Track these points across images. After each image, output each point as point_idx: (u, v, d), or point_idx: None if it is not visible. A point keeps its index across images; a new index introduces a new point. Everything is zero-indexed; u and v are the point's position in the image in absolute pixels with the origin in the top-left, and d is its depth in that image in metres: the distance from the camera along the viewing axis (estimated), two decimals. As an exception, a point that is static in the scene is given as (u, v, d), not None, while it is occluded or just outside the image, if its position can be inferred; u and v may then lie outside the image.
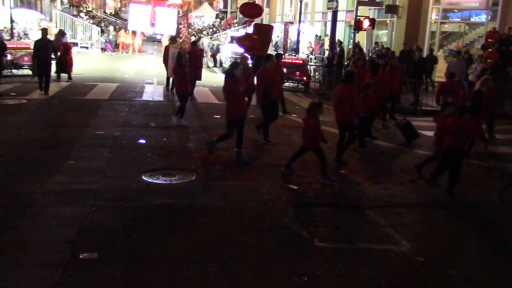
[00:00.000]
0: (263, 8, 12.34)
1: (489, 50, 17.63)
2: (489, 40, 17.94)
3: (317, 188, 7.49)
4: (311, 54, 24.66)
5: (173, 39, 19.46)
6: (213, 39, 32.70)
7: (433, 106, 13.96)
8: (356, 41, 20.75)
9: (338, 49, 21.05)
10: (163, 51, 19.01)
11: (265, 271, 4.91)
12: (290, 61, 19.78)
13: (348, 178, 8.14)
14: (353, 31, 19.83)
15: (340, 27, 27.40)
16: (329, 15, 22.04)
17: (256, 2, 14.08)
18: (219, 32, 38.05)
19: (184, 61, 11.38)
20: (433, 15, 22.94)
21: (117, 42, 32.79)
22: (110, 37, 32.87)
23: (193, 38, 26.72)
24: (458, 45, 22.74)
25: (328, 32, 23.13)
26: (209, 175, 7.80)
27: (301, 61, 19.97)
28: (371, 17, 21.64)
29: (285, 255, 5.28)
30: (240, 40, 14.94)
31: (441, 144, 7.83)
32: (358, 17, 19.55)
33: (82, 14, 36.97)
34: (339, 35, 25.41)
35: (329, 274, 4.94)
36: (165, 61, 16.84)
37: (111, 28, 34.83)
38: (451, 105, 8.13)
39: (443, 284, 4.91)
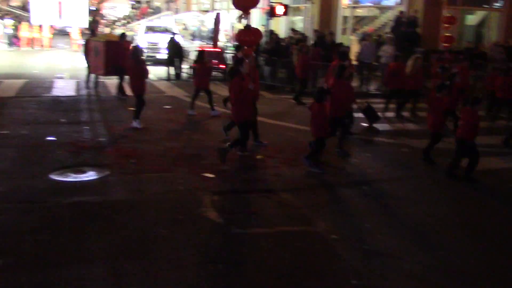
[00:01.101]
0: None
1: (446, 34, 18.36)
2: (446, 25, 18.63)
3: (234, 176, 7.48)
4: (228, 42, 24.57)
5: (93, 32, 18.69)
6: (127, 30, 31.79)
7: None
8: (270, 29, 20.87)
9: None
10: (72, 44, 18.18)
11: (181, 262, 4.83)
12: (207, 49, 19.61)
13: (265, 163, 8.19)
14: (267, 18, 19.87)
15: (257, 14, 27.50)
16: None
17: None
18: (133, 22, 37.05)
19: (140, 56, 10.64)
20: (345, 0, 23.53)
21: (18, 37, 30.45)
22: (7, 30, 30.44)
23: (107, 30, 25.89)
24: (370, 29, 23.51)
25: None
26: (123, 170, 7.56)
27: (219, 49, 19.87)
28: (285, 3, 21.83)
29: (201, 244, 5.22)
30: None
31: (437, 126, 8.29)
32: (271, 3, 19.63)
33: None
34: (256, 23, 25.46)
35: (246, 259, 4.95)
36: (87, 56, 15.74)
37: (7, 21, 31.95)
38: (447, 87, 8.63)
39: (356, 259, 5.05)
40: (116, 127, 10.28)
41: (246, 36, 12.83)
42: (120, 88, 13.83)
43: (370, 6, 24.08)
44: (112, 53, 14.10)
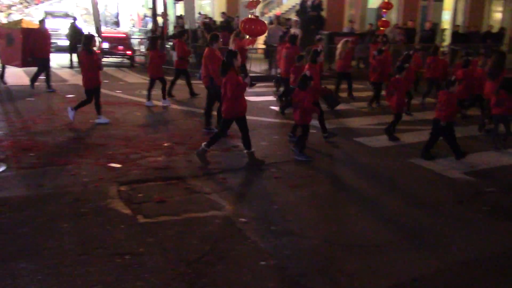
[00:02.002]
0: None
1: (383, 19, 18.85)
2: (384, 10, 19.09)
3: (141, 164, 7.30)
4: (134, 26, 23.89)
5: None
6: (24, 15, 29.88)
7: (256, 72, 14.50)
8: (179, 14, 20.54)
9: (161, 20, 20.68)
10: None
11: (85, 256, 4.64)
12: (112, 35, 18.95)
13: (173, 150, 8.07)
14: (174, 2, 19.54)
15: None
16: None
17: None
18: (31, 6, 34.87)
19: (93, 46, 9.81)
20: (251, -16, 23.60)
21: None
22: None
23: (2, 16, 24.11)
24: (278, 12, 23.80)
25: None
26: (21, 164, 7.14)
27: (124, 35, 19.25)
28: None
29: (107, 236, 5.05)
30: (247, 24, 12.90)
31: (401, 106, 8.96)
32: (177, -13, 19.32)
33: None
34: (162, 7, 24.90)
35: (153, 249, 4.84)
36: None
37: None
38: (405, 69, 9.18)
39: (264, 240, 5.11)
40: (15, 119, 9.67)
41: (252, 25, 12.15)
42: (38, 79, 12.97)
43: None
44: (31, 42, 12.89)
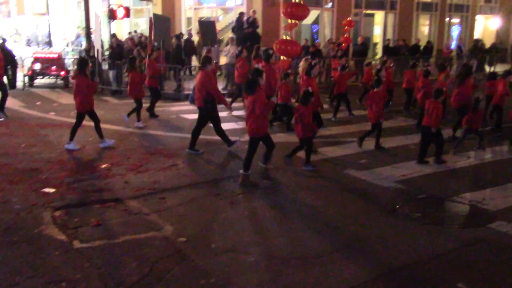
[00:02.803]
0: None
1: (345, 35, 19.34)
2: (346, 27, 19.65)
3: (77, 188, 7.12)
4: (67, 46, 23.34)
5: None
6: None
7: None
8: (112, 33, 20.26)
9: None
10: None
11: (18, 287, 4.48)
12: (44, 55, 18.45)
13: (111, 171, 7.93)
14: (108, 21, 19.25)
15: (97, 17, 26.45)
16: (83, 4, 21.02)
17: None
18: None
19: None
20: (187, 1, 23.66)
21: None
22: None
23: None
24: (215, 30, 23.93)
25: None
26: None
27: (56, 55, 18.77)
28: (126, 5, 21.32)
29: (41, 265, 4.89)
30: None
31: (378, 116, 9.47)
32: (111, 6, 19.05)
33: None
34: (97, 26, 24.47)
35: (90, 274, 4.74)
36: None
37: None
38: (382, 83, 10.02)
39: (203, 259, 5.11)
40: None
41: (288, 46, 12.15)
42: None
43: (213, 7, 24.53)
44: None
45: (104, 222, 5.97)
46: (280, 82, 10.88)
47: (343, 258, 5.21)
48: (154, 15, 16.54)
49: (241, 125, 11.14)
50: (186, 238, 5.56)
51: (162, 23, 16.50)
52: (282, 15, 22.63)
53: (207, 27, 17.38)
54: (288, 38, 13.32)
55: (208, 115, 9.19)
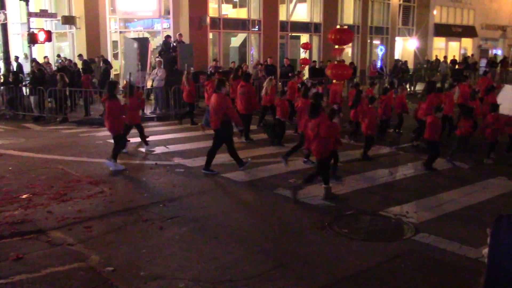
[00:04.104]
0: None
1: (304, 57, 19.92)
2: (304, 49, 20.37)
3: (-6, 220, 6.71)
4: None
5: None
6: None
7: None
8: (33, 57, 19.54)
9: (15, 64, 19.57)
10: None
11: None
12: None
13: (32, 201, 7.55)
14: (28, 45, 18.58)
15: (18, 41, 25.52)
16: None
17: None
18: None
19: None
20: (113, 25, 23.32)
21: None
22: None
23: None
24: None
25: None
26: None
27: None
28: (48, 29, 20.71)
29: (-47, 306, 4.55)
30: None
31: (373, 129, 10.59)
32: (32, 30, 18.42)
33: None
34: (17, 50, 23.57)
35: (8, 313, 4.45)
36: None
37: None
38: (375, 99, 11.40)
39: (133, 287, 4.95)
40: None
41: (341, 70, 12.27)
42: None
43: (140, 31, 24.31)
44: None
45: (24, 256, 5.64)
46: (278, 99, 12.00)
47: (274, 278, 5.20)
48: (181, 44, 18.15)
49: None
50: (114, 267, 5.36)
51: (186, 49, 17.74)
52: (209, 37, 22.95)
53: (185, 49, 17.91)
54: (339, 62, 14.23)
55: (225, 137, 9.35)
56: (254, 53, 25.75)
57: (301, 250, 5.93)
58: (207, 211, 7.38)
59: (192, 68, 17.23)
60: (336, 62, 14.97)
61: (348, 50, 30.76)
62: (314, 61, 25.84)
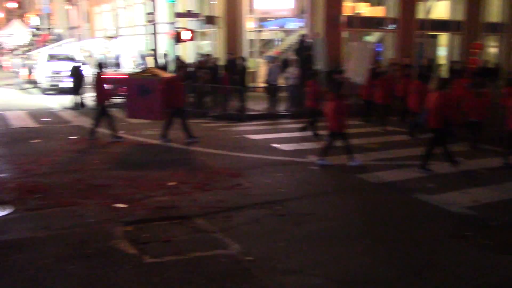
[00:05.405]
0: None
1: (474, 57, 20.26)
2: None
3: (146, 204, 7.33)
4: (136, 68, 24.25)
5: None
6: (26, 58, 30.35)
7: (257, 110, 14.76)
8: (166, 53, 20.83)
9: (163, 61, 21.10)
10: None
11: (91, 299, 4.66)
12: (113, 76, 19.22)
13: (177, 189, 8.12)
14: (174, 44, 19.93)
15: (164, 40, 27.44)
16: (151, 28, 21.92)
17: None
18: (33, 50, 35.44)
19: None
20: (250, 24, 24.13)
21: None
22: None
23: (5, 59, 24.47)
24: (276, 51, 24.22)
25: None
26: (27, 206, 7.18)
27: (126, 76, 19.51)
28: (191, 28, 22.00)
29: (112, 278, 5.06)
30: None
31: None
32: (176, 29, 19.71)
33: None
34: (163, 48, 25.38)
35: (160, 289, 4.86)
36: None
37: None
38: None
39: (271, 278, 5.13)
40: (20, 161, 9.76)
41: None
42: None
43: (274, 30, 24.89)
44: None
45: (172, 239, 6.10)
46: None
47: (414, 285, 5.06)
48: (315, 40, 18.53)
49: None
50: (252, 257, 5.59)
51: (319, 45, 18.04)
52: (343, 36, 22.77)
53: (318, 45, 18.31)
54: None
55: (444, 135, 9.41)
56: (384, 52, 25.04)
57: (438, 259, 5.69)
58: (341, 210, 7.38)
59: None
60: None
61: (491, 50, 28.71)
62: (455, 61, 24.43)
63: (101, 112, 12.23)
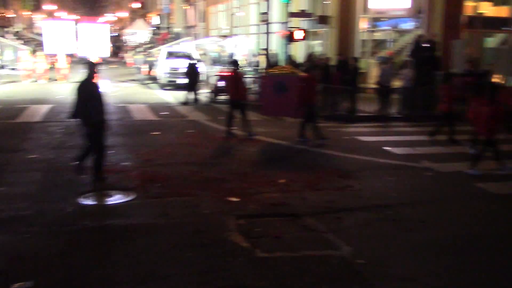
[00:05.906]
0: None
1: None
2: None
3: (258, 199, 7.50)
4: (247, 66, 24.82)
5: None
6: (147, 55, 32.31)
7: (368, 112, 14.49)
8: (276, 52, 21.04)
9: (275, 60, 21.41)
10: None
11: (205, 286, 4.86)
12: (227, 74, 19.87)
13: (288, 187, 8.21)
14: (287, 43, 20.11)
15: (275, 39, 27.82)
16: (264, 27, 22.32)
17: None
18: (154, 48, 37.61)
19: None
20: (363, 24, 23.69)
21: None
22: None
23: (128, 55, 26.05)
24: (389, 52, 23.55)
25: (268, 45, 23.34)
26: (148, 193, 7.67)
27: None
28: (303, 27, 22.07)
29: (227, 268, 5.24)
30: None
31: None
32: (289, 28, 19.87)
33: (8, 35, 35.09)
34: (274, 47, 25.76)
35: (272, 283, 4.95)
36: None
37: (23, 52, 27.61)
38: None
39: (382, 284, 5.02)
40: (140, 151, 10.43)
41: None
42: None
43: (388, 30, 24.21)
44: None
45: (283, 235, 6.19)
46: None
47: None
48: (456, 41, 18.18)
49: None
50: (364, 261, 5.51)
51: (458, 47, 17.87)
52: (463, 37, 21.56)
53: (457, 47, 18.00)
54: None
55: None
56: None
57: None
58: (455, 219, 7.02)
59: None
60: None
61: None
62: None
63: (238, 108, 12.44)
